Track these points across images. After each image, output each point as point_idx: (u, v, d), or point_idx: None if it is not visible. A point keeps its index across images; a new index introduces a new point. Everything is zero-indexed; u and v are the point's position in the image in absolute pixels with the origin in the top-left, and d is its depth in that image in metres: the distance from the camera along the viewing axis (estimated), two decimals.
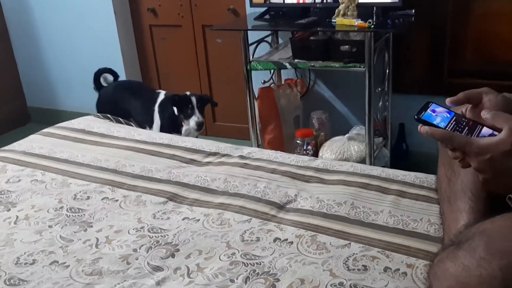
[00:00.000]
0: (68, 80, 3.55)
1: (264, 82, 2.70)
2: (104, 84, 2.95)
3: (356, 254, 1.06)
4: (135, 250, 1.11)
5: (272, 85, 2.73)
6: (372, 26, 2.16)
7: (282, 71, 2.79)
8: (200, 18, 3.12)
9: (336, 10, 2.29)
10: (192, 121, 2.57)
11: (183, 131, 2.66)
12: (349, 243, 1.10)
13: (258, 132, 2.63)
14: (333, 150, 2.45)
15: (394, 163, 2.57)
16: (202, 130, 2.64)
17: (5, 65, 3.57)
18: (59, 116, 3.55)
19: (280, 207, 1.25)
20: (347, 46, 2.27)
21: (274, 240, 1.12)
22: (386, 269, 1.02)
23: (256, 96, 2.62)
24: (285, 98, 2.66)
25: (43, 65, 3.58)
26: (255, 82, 2.53)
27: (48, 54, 3.53)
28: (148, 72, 3.43)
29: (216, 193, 1.34)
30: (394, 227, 1.14)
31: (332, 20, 2.31)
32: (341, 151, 2.44)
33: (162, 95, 2.72)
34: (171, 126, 2.63)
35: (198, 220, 1.22)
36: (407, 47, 2.62)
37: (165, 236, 1.16)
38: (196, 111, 2.58)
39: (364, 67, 2.22)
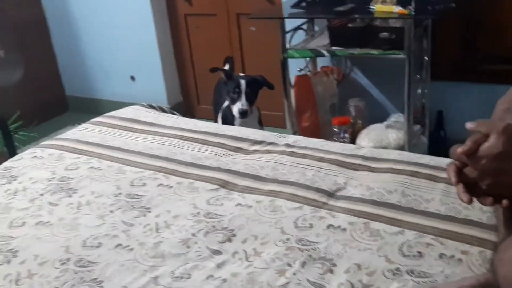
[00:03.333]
0: (104, 69, 3.63)
1: (300, 70, 2.71)
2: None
3: (410, 241, 1.08)
4: (193, 235, 1.16)
5: (308, 72, 2.74)
6: (413, 13, 2.14)
7: (317, 58, 2.79)
8: (234, 6, 3.14)
9: None
10: (235, 108, 2.35)
11: (236, 121, 2.41)
12: (403, 230, 1.12)
13: (294, 119, 2.64)
14: (370, 138, 2.46)
15: (432, 151, 2.56)
16: (247, 118, 2.36)
17: (44, 54, 3.66)
18: (96, 105, 3.65)
19: (330, 194, 1.28)
20: (386, 33, 2.26)
21: (328, 227, 1.15)
22: (441, 255, 1.04)
23: (292, 84, 2.64)
24: (321, 85, 2.66)
25: (80, 54, 3.66)
26: (289, 70, 2.54)
27: (86, 43, 3.61)
28: (183, 61, 3.48)
29: (266, 181, 1.37)
30: (446, 215, 1.16)
31: (371, 7, 2.30)
32: (379, 139, 2.44)
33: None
34: (227, 115, 2.46)
35: (251, 206, 1.26)
36: (446, 33, 2.59)
37: (220, 221, 1.20)
38: (243, 96, 2.33)
39: (403, 54, 2.21)
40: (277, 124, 2.99)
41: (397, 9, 2.18)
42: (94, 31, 3.52)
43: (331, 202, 1.25)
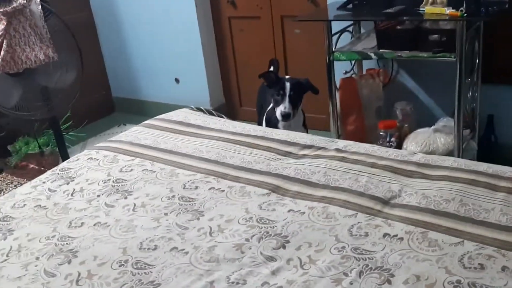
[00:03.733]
0: (150, 71, 3.70)
1: (346, 72, 2.68)
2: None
3: (471, 252, 1.05)
4: (247, 240, 1.16)
5: (354, 75, 2.71)
6: (465, 15, 2.08)
7: (363, 61, 2.75)
8: (279, 9, 3.13)
9: None
10: (278, 110, 2.31)
11: (280, 124, 2.38)
12: (462, 241, 1.09)
13: (338, 123, 2.62)
14: (418, 142, 2.40)
15: (482, 156, 2.48)
16: (289, 121, 2.34)
17: (93, 57, 3.76)
18: (141, 106, 3.73)
19: (385, 202, 1.26)
20: (437, 36, 2.20)
21: (384, 236, 1.13)
22: (504, 268, 1.00)
23: (338, 87, 2.61)
24: (367, 88, 2.63)
25: (127, 57, 3.75)
26: (335, 73, 2.51)
27: (132, 46, 3.69)
28: (226, 62, 3.50)
29: (318, 186, 1.36)
30: (507, 225, 1.12)
31: (420, 9, 2.25)
32: (427, 143, 2.38)
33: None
34: (271, 117, 2.43)
35: (303, 212, 1.25)
36: (498, 35, 2.50)
37: (273, 227, 1.20)
38: (287, 99, 2.30)
39: (454, 57, 2.15)
40: (321, 127, 2.96)
41: (448, 10, 2.12)
42: (140, 34, 3.60)
43: (386, 210, 1.23)
